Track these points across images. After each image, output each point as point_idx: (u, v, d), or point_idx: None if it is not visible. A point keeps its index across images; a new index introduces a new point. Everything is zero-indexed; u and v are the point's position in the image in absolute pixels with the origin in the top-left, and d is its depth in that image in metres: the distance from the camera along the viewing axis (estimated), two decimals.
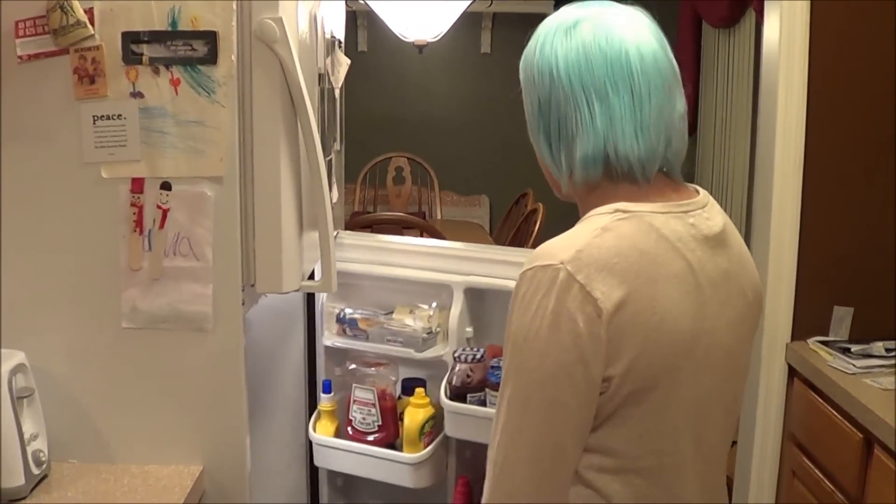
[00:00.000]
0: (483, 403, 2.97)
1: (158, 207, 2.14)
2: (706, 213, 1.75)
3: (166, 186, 2.14)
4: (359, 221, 4.69)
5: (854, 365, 3.03)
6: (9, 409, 2.01)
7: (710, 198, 1.82)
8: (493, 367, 2.92)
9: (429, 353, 3.08)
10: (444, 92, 7.73)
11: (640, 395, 1.61)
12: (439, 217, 7.05)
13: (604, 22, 1.72)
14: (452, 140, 7.72)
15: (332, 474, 3.39)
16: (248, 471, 2.26)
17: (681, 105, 1.75)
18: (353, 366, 3.17)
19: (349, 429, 3.14)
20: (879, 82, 3.23)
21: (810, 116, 3.24)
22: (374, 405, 3.07)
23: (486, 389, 2.96)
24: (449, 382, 3.03)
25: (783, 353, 3.35)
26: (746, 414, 3.55)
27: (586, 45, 1.70)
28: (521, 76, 1.85)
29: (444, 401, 3.00)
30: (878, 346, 3.14)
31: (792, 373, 3.34)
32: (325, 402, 3.19)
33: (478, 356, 2.96)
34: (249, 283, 2.20)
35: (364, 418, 3.09)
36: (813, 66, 3.21)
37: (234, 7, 2.07)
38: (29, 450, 2.05)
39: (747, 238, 3.66)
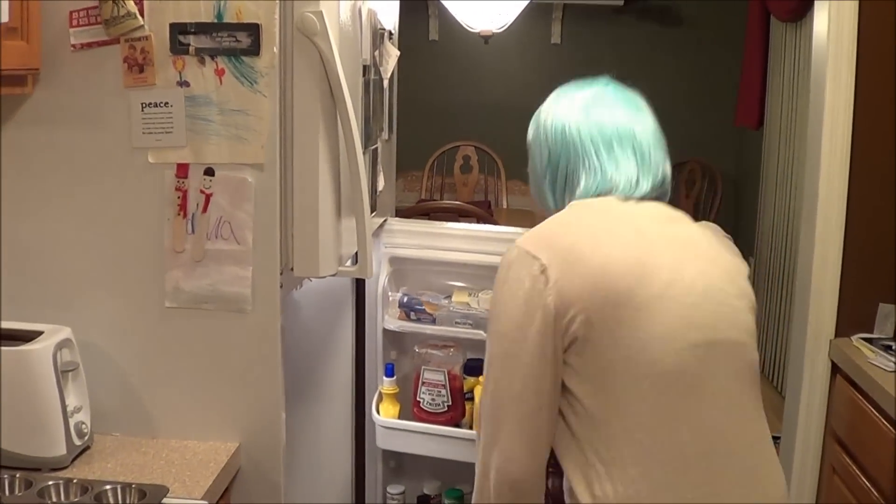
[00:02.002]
0: None
1: (202, 192, 2.22)
2: (669, 210, 2.15)
3: (210, 172, 2.21)
4: (415, 209, 4.74)
5: (894, 362, 3.03)
6: (52, 382, 2.09)
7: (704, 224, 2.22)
8: None
9: None
10: (514, 81, 7.74)
11: (601, 328, 1.89)
12: (505, 206, 7.07)
13: (606, 99, 2.19)
14: (521, 129, 7.69)
15: (386, 456, 3.47)
16: (283, 449, 2.32)
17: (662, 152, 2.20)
18: (425, 349, 3.25)
19: (416, 410, 3.23)
20: None
21: (857, 112, 3.23)
22: (444, 386, 3.16)
23: None
24: None
25: (826, 350, 3.35)
26: (789, 409, 3.56)
27: (594, 115, 2.14)
28: (531, 135, 2.28)
29: None
30: None
31: (835, 369, 3.34)
32: (388, 385, 3.26)
33: None
34: (288, 267, 2.27)
35: (433, 399, 3.18)
36: (861, 61, 3.21)
37: (277, 0, 2.13)
38: (72, 422, 2.14)
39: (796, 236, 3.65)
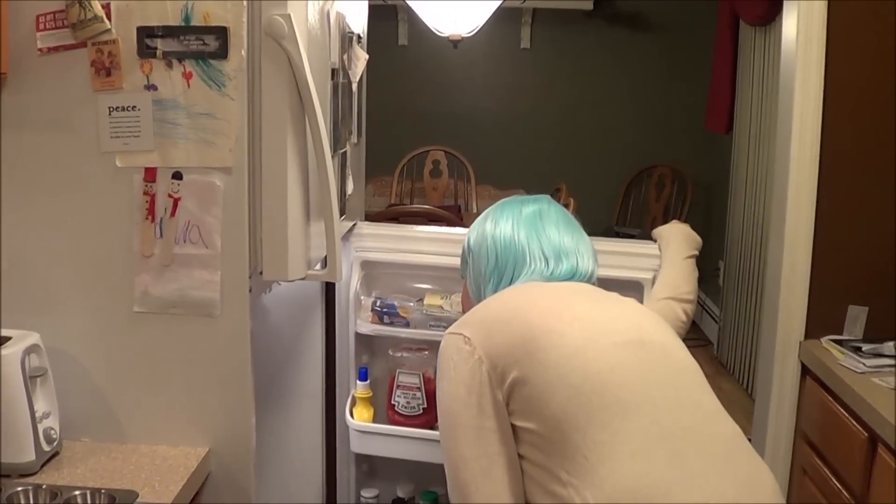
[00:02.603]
0: None
1: (170, 196, 2.21)
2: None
3: (178, 176, 2.20)
4: (385, 214, 4.74)
5: (864, 364, 3.05)
6: (20, 388, 2.08)
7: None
8: None
9: None
10: (484, 86, 7.76)
11: (529, 363, 2.03)
12: (475, 210, 7.07)
13: (550, 215, 2.46)
14: (490, 134, 7.75)
15: (359, 459, 3.46)
16: (253, 454, 2.31)
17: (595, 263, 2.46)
18: (400, 353, 3.26)
19: (391, 413, 3.23)
20: None
21: (826, 116, 3.26)
22: (419, 389, 3.18)
23: None
24: None
25: (796, 352, 3.38)
26: (759, 411, 3.58)
27: (535, 223, 2.41)
28: (472, 242, 2.48)
29: None
30: (889, 346, 3.16)
31: (805, 371, 3.36)
32: (361, 388, 3.26)
33: None
34: (257, 271, 2.26)
35: (409, 402, 3.19)
36: (830, 65, 3.23)
37: (245, 3, 2.13)
38: (40, 427, 2.12)
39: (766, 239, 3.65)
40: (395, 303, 3.22)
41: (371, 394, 3.27)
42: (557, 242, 2.38)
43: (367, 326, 3.26)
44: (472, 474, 2.03)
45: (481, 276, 2.42)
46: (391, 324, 3.24)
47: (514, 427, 2.04)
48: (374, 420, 3.27)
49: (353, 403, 3.28)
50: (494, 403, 2.04)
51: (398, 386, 3.21)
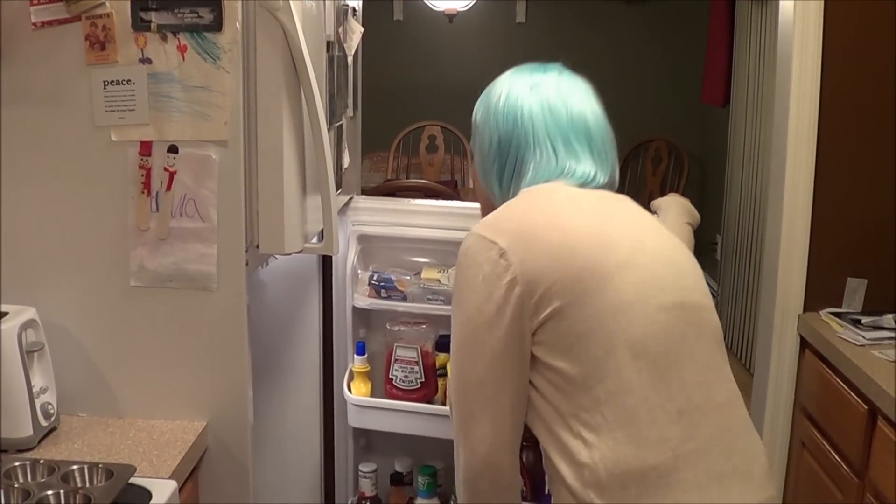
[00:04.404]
0: None
1: (166, 170, 2.20)
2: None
3: (173, 149, 2.19)
4: (381, 189, 4.73)
5: (863, 337, 3.05)
6: (17, 363, 2.08)
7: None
8: None
9: None
10: (479, 61, 7.72)
11: (570, 301, 1.89)
12: (471, 185, 7.04)
13: (562, 88, 2.15)
14: None
15: (357, 434, 3.45)
16: (251, 428, 2.32)
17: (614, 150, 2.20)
18: (397, 327, 3.24)
19: (389, 387, 3.22)
20: (894, 52, 3.23)
21: (824, 88, 3.24)
22: (417, 363, 3.16)
23: None
24: None
25: (795, 324, 3.37)
26: (758, 385, 3.57)
27: (551, 103, 2.12)
28: (479, 118, 2.25)
29: None
30: (889, 318, 3.15)
31: (804, 344, 3.35)
32: (359, 363, 3.26)
33: None
34: (253, 244, 2.26)
35: (406, 376, 3.18)
36: (827, 36, 3.22)
37: None
38: (37, 402, 2.12)
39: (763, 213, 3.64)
40: (393, 277, 3.21)
41: (369, 368, 3.27)
42: (567, 125, 2.12)
43: (365, 301, 3.25)
44: (482, 398, 1.94)
45: (485, 158, 2.20)
46: (388, 298, 3.23)
47: (534, 357, 1.94)
48: (372, 394, 3.27)
49: (351, 378, 3.28)
50: (521, 330, 1.91)
51: (396, 360, 3.20)
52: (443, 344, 3.22)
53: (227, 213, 2.20)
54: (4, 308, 2.15)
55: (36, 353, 2.15)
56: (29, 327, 2.14)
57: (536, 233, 1.94)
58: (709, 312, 2.04)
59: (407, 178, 7.23)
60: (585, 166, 2.09)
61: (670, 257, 2.03)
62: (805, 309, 3.37)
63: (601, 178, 2.10)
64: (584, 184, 2.08)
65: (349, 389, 3.24)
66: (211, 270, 2.22)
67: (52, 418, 2.18)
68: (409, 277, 3.21)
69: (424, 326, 3.22)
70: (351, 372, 3.28)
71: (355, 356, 3.25)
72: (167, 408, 2.29)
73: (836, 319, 3.22)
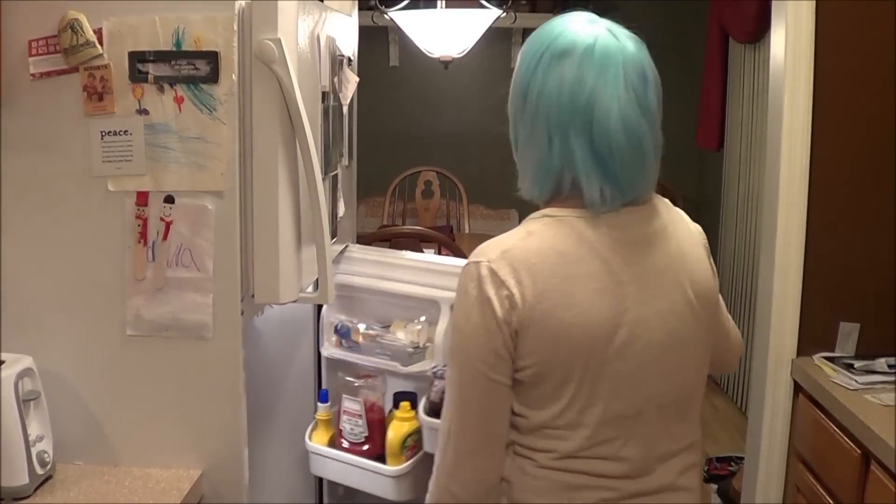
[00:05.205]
0: None
1: (162, 220, 2.22)
2: (640, 215, 1.91)
3: (170, 200, 2.22)
4: (377, 235, 4.73)
5: (856, 381, 3.06)
6: (14, 411, 2.09)
7: (659, 199, 2.00)
8: None
9: (415, 368, 3.07)
10: (475, 106, 7.75)
11: (550, 376, 1.82)
12: (468, 231, 7.06)
13: (590, 62, 1.84)
14: (482, 154, 7.72)
15: (333, 483, 3.42)
16: (247, 476, 2.32)
17: (652, 142, 1.87)
18: (348, 378, 3.18)
19: (339, 439, 3.16)
20: (885, 98, 3.25)
21: (815, 132, 3.26)
22: (360, 416, 3.08)
23: None
24: (428, 398, 2.98)
25: (788, 369, 3.37)
26: (753, 430, 3.57)
27: (562, 85, 1.83)
28: (515, 71, 1.99)
29: (421, 416, 2.98)
30: (881, 363, 3.16)
31: (798, 389, 3.36)
32: (322, 411, 3.22)
33: None
34: (249, 294, 2.27)
35: (352, 429, 3.11)
36: (818, 82, 3.24)
37: (235, 28, 2.15)
38: (34, 451, 2.13)
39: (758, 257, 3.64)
40: (350, 326, 3.20)
41: (330, 416, 3.20)
42: (567, 124, 1.83)
43: (328, 350, 3.25)
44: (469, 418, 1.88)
45: (520, 147, 1.99)
46: (349, 348, 3.20)
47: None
48: (331, 444, 3.19)
49: (315, 426, 3.23)
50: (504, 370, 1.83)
51: (343, 411, 3.13)
52: (397, 402, 3.10)
53: (222, 263, 2.22)
54: (2, 356, 2.16)
55: (32, 402, 2.16)
56: (26, 376, 2.15)
57: (546, 305, 1.79)
58: (684, 390, 1.97)
59: (403, 223, 7.22)
60: (587, 175, 1.83)
61: (664, 345, 1.88)
62: (798, 353, 3.37)
63: (620, 199, 1.86)
64: (602, 209, 1.85)
65: (309, 437, 3.20)
66: (207, 320, 2.23)
67: (48, 466, 2.19)
68: (363, 328, 3.18)
69: (372, 380, 3.14)
70: (316, 420, 3.24)
71: (319, 404, 3.22)
72: (163, 456, 2.30)
73: (830, 364, 3.23)
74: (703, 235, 2.09)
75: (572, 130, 1.82)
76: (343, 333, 3.20)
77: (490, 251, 1.84)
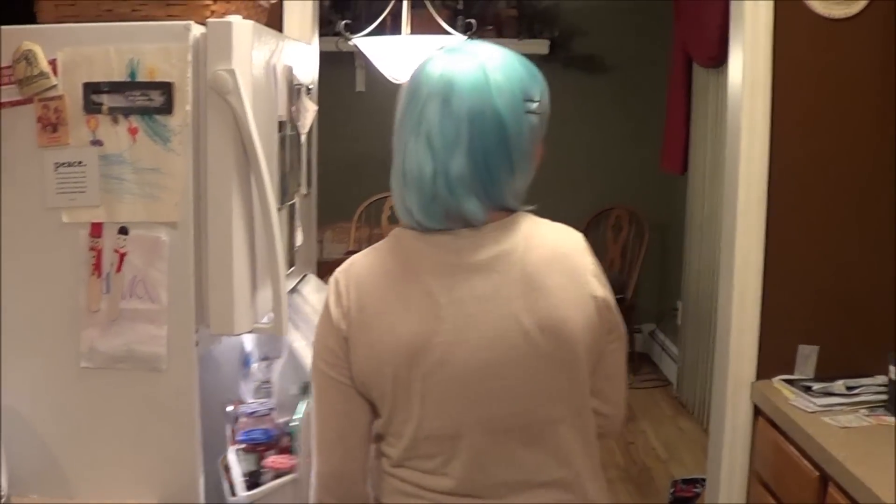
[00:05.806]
0: None
1: (116, 251, 2.22)
2: (477, 240, 1.90)
3: (124, 231, 2.22)
4: (343, 261, 4.72)
5: (814, 403, 3.08)
6: None
7: (526, 222, 1.95)
8: None
9: None
10: None
11: (372, 386, 1.90)
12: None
13: (412, 95, 2.05)
14: None
15: None
16: None
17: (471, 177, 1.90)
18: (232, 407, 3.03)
19: None
20: (843, 122, 3.30)
21: (773, 155, 3.29)
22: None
23: None
24: None
25: (748, 392, 3.39)
26: (713, 452, 3.59)
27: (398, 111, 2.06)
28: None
29: None
30: (840, 384, 3.18)
31: (757, 411, 3.38)
32: None
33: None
34: (204, 324, 2.27)
35: None
36: (776, 106, 3.27)
37: (190, 58, 2.16)
38: None
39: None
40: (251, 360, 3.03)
41: None
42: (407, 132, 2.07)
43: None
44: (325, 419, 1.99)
45: None
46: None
47: None
48: None
49: None
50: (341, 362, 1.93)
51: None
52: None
53: (177, 294, 2.22)
54: None
55: None
56: None
57: (368, 319, 1.88)
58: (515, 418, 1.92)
59: None
60: (399, 200, 2.02)
61: (485, 372, 1.87)
62: (758, 376, 3.39)
63: (425, 224, 1.92)
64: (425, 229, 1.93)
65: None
66: (161, 352, 2.23)
67: (3, 500, 2.18)
68: (255, 364, 3.00)
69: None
70: None
71: None
72: (118, 488, 2.29)
73: (788, 386, 3.25)
74: (594, 266, 1.96)
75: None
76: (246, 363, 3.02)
77: (344, 265, 1.99)
